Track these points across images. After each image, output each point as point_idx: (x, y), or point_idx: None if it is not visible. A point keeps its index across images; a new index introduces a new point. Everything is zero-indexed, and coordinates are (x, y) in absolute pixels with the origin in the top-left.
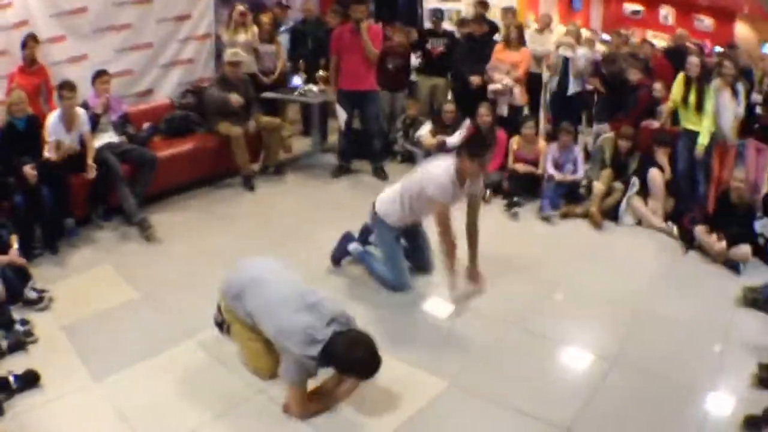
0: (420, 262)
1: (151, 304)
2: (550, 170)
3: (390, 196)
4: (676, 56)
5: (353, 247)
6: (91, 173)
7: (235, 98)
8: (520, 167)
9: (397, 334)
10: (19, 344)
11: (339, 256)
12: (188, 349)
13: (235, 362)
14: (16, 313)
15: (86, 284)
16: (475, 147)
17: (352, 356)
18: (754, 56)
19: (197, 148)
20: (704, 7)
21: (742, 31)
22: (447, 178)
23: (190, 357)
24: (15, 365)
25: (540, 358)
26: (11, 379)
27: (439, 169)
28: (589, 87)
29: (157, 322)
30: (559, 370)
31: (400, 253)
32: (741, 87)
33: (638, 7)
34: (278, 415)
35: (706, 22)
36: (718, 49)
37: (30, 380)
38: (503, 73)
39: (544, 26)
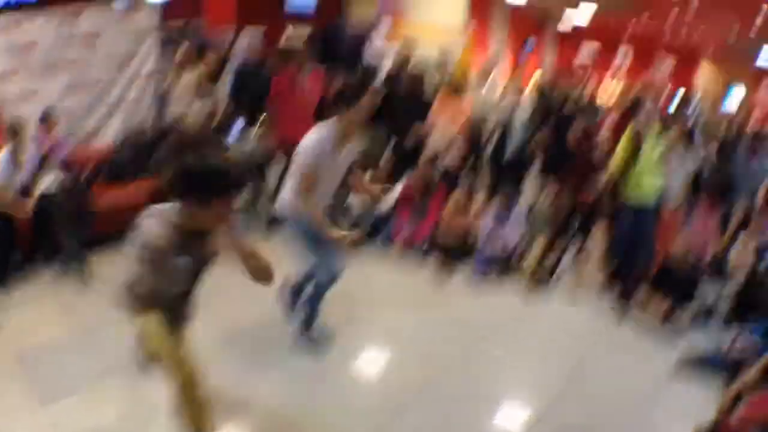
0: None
1: (94, 337)
2: (484, 237)
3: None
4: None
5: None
6: (24, 213)
7: None
8: (452, 234)
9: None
10: None
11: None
12: (132, 376)
13: None
14: None
15: (30, 317)
16: (345, 97)
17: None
18: (715, 103)
19: (140, 193)
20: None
21: (706, 73)
22: (326, 133)
23: (134, 384)
24: None
25: (468, 417)
26: None
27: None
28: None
29: (100, 354)
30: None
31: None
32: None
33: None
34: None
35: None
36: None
37: None
38: (440, 131)
39: (487, 73)
